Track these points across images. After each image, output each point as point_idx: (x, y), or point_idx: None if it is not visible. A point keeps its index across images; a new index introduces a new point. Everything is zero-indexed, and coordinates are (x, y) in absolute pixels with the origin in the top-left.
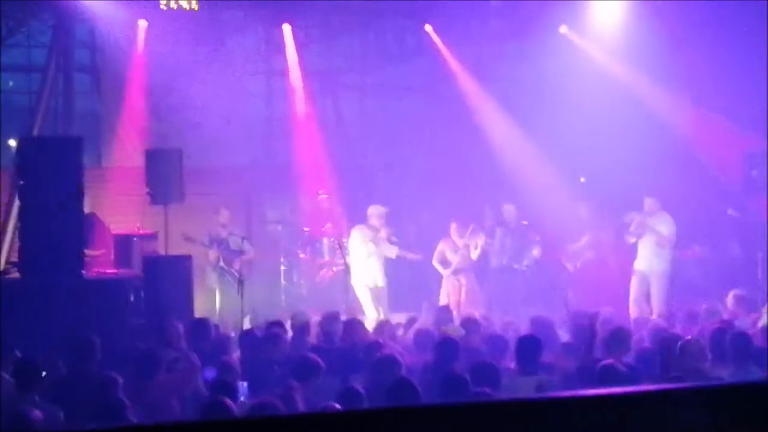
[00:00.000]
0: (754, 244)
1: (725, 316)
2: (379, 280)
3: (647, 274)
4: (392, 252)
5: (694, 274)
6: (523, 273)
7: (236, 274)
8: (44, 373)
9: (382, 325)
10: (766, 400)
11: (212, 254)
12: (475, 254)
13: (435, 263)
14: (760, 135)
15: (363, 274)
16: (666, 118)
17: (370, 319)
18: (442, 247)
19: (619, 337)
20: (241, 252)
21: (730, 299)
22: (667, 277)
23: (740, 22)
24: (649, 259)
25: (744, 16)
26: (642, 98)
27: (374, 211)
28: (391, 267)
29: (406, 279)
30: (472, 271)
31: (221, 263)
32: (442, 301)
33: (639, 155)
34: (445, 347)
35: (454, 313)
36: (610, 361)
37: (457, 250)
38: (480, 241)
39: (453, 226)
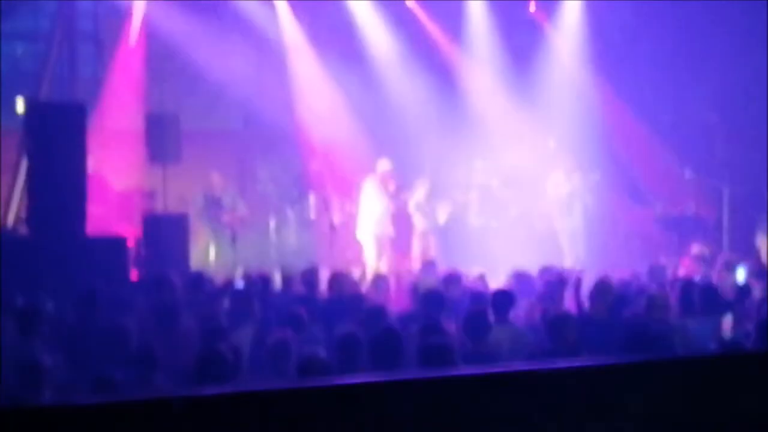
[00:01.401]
0: (709, 204)
1: (684, 271)
2: (387, 229)
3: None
4: (399, 206)
5: (654, 230)
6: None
7: (230, 230)
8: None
9: (375, 279)
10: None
11: (208, 214)
12: (442, 219)
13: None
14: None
15: (371, 224)
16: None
17: (371, 269)
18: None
19: (601, 290)
20: (233, 209)
21: (689, 254)
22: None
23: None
24: None
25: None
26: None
27: (384, 166)
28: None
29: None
30: (436, 231)
31: (216, 222)
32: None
33: (603, 122)
34: (429, 300)
35: None
36: (563, 310)
37: (426, 212)
38: (447, 207)
39: (391, 186)
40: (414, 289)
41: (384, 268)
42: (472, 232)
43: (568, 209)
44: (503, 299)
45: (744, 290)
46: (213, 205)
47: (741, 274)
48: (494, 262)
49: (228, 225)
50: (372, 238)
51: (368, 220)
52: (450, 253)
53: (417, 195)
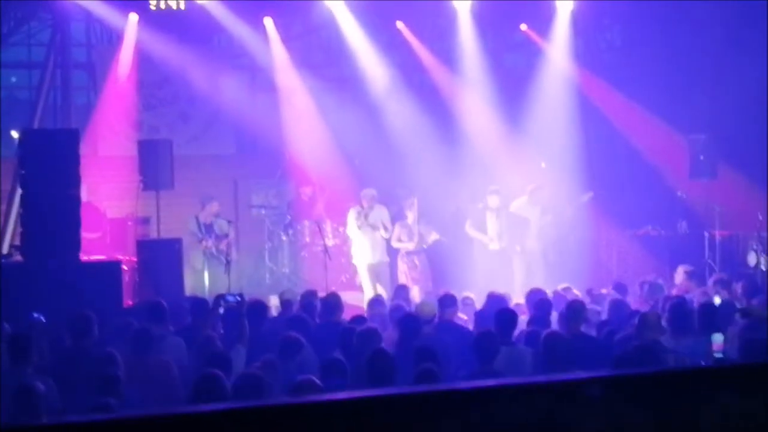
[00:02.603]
0: (701, 224)
1: (673, 291)
2: (377, 256)
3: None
4: (381, 231)
5: (646, 251)
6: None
7: (223, 255)
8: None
9: (371, 302)
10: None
11: (205, 243)
12: (428, 243)
13: (394, 244)
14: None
15: (361, 252)
16: (618, 113)
17: (367, 296)
18: (398, 230)
19: (573, 310)
20: (225, 235)
21: (680, 274)
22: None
23: (690, 24)
24: None
25: (695, 18)
26: (594, 95)
27: (366, 194)
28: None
29: None
30: (424, 253)
31: (211, 249)
32: (400, 279)
33: (594, 145)
34: (406, 323)
35: (413, 290)
36: (554, 329)
37: (412, 235)
38: (434, 235)
39: (409, 214)
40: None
41: (383, 292)
42: (460, 254)
43: (537, 233)
44: (508, 319)
45: (734, 309)
46: (206, 231)
47: (734, 293)
48: (485, 285)
49: (221, 250)
50: (361, 267)
51: (360, 249)
52: (437, 275)
53: (409, 217)
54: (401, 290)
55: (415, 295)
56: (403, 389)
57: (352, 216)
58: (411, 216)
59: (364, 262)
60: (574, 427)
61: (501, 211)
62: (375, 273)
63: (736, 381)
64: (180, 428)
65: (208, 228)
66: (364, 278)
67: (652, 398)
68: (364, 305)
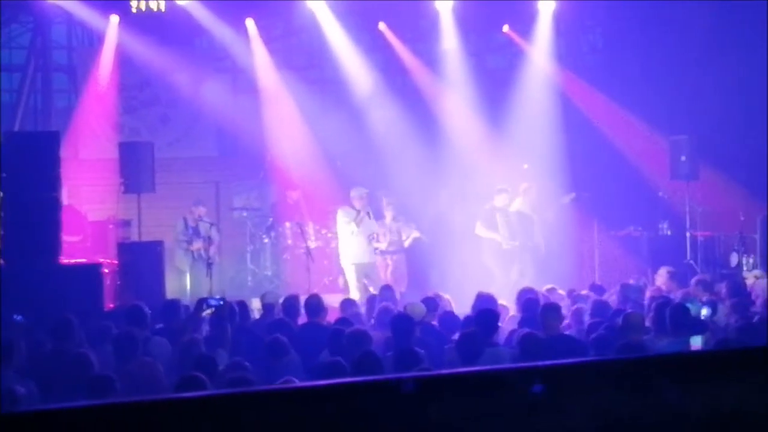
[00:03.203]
0: (682, 224)
1: (654, 291)
2: (365, 256)
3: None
4: (373, 228)
5: (628, 252)
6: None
7: (205, 257)
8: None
9: (344, 304)
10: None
11: (195, 245)
12: (407, 242)
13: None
14: (683, 132)
15: (349, 252)
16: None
17: (353, 297)
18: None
19: (549, 311)
20: (209, 238)
21: (662, 275)
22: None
23: (671, 26)
24: None
25: (677, 20)
26: (576, 97)
27: (356, 193)
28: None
29: None
30: (403, 252)
31: (201, 251)
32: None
33: (575, 146)
34: (399, 324)
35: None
36: (526, 330)
37: (386, 235)
38: (414, 233)
39: (362, 213)
40: (384, 315)
41: (368, 293)
42: (440, 256)
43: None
44: (489, 320)
45: (716, 309)
46: (192, 233)
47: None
48: (464, 285)
49: (204, 253)
50: (349, 268)
51: (344, 250)
52: (419, 276)
53: (386, 217)
54: (386, 291)
55: None
56: (385, 376)
57: (343, 216)
58: (388, 216)
59: (353, 262)
60: (559, 412)
61: (510, 210)
62: (364, 273)
63: (717, 367)
64: (161, 415)
65: (194, 229)
66: (351, 279)
67: (634, 384)
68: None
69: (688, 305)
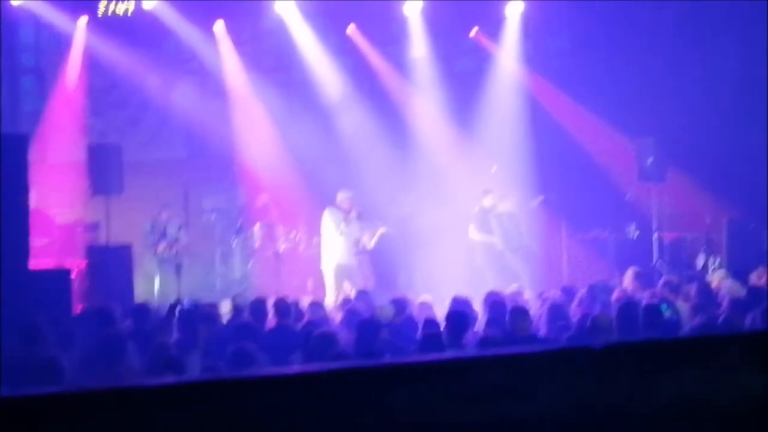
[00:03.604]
0: (650, 226)
1: (620, 293)
2: (349, 258)
3: None
4: (360, 232)
5: (595, 254)
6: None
7: (174, 260)
8: None
9: (311, 306)
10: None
11: (161, 246)
12: (371, 244)
13: None
14: (650, 135)
15: (331, 253)
16: (567, 117)
17: (330, 298)
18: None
19: (517, 313)
20: (177, 240)
21: (628, 275)
22: None
23: (638, 29)
24: None
25: (643, 23)
26: (544, 99)
27: (343, 195)
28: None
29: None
30: (367, 254)
31: (164, 252)
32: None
33: (543, 148)
34: (364, 327)
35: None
36: (484, 333)
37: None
38: (381, 229)
39: (352, 214)
40: (352, 317)
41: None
42: (411, 258)
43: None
44: (458, 322)
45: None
46: (159, 235)
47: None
48: (435, 288)
49: (173, 255)
50: (332, 268)
51: (329, 251)
52: (387, 277)
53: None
54: (363, 295)
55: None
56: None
57: (330, 217)
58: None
59: (335, 263)
60: (527, 398)
61: (500, 210)
62: (347, 274)
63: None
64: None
65: (162, 233)
66: (330, 280)
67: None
68: (327, 308)
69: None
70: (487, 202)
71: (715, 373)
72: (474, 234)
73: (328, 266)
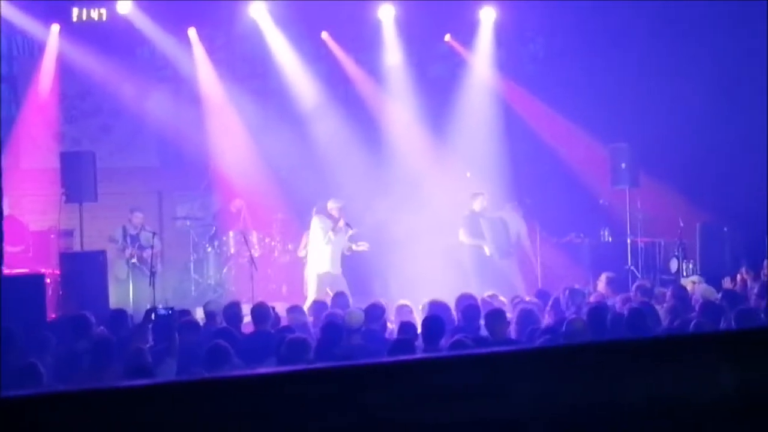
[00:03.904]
0: (623, 231)
1: (595, 297)
2: (334, 267)
3: None
4: (346, 242)
5: (570, 258)
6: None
7: (146, 266)
8: None
9: (289, 311)
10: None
11: (128, 252)
12: (302, 251)
13: (300, 253)
14: (623, 140)
15: (317, 262)
16: (541, 123)
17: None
18: (304, 240)
19: (495, 316)
20: (151, 247)
21: (602, 280)
22: None
23: (611, 36)
24: None
25: (616, 30)
26: (517, 105)
27: (334, 204)
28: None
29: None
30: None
31: (134, 259)
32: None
33: (517, 154)
34: (328, 330)
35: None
36: (459, 336)
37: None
38: (362, 245)
39: (341, 223)
40: (331, 322)
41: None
42: (386, 264)
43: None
44: (435, 327)
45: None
46: (131, 241)
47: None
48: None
49: (144, 260)
50: (316, 275)
51: (315, 257)
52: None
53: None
54: (340, 298)
55: None
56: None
57: (319, 224)
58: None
59: (319, 270)
60: (502, 397)
61: (490, 214)
62: (329, 282)
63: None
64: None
65: (134, 238)
66: (312, 287)
67: (578, 370)
68: (309, 314)
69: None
70: (477, 205)
71: (691, 372)
72: (464, 237)
73: (311, 272)
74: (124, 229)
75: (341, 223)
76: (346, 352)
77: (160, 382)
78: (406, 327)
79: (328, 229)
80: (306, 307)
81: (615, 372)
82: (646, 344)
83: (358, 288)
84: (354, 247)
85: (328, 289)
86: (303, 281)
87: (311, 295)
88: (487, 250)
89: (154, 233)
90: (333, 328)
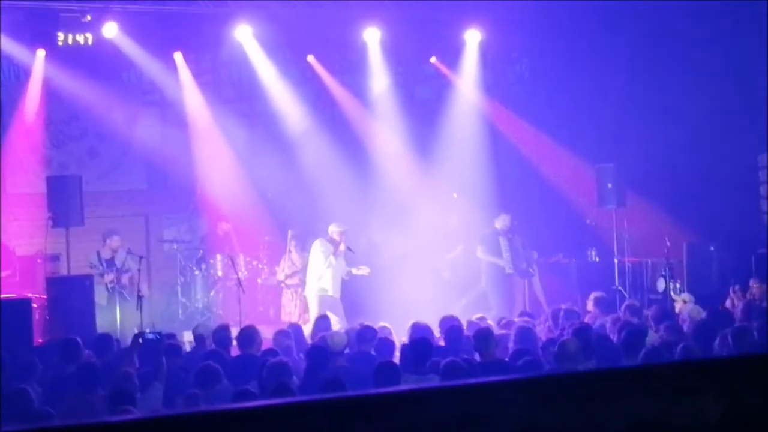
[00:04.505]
0: (610, 251)
1: (585, 317)
2: (335, 290)
3: None
4: (346, 267)
5: (557, 279)
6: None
7: (125, 290)
8: None
9: (276, 335)
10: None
11: (107, 277)
12: (280, 275)
13: (279, 277)
14: (609, 161)
15: (317, 284)
16: (527, 144)
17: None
18: (282, 264)
19: (482, 337)
20: (127, 270)
21: (590, 301)
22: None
23: (596, 57)
24: None
25: (601, 51)
26: (503, 126)
27: (336, 228)
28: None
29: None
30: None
31: (112, 284)
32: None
33: (504, 175)
34: (314, 354)
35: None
36: (450, 358)
37: (292, 268)
38: (363, 269)
39: (292, 243)
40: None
41: (342, 324)
42: (376, 286)
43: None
44: (422, 348)
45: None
46: (108, 266)
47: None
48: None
49: (123, 285)
50: (317, 299)
51: (315, 280)
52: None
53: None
54: (322, 321)
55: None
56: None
57: (320, 248)
58: (293, 249)
59: (321, 294)
60: (488, 428)
61: (511, 233)
62: (329, 306)
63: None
64: None
65: (109, 262)
66: (313, 310)
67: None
68: (309, 337)
69: None
70: (499, 223)
71: (673, 400)
72: (480, 254)
73: (312, 295)
74: (99, 255)
75: (342, 247)
76: (332, 375)
77: (144, 417)
78: (389, 350)
79: (329, 253)
80: (308, 330)
81: (596, 400)
82: (629, 372)
83: (349, 310)
84: (354, 271)
85: (329, 312)
86: (291, 303)
87: (313, 317)
88: (506, 268)
89: (141, 257)
90: (318, 351)
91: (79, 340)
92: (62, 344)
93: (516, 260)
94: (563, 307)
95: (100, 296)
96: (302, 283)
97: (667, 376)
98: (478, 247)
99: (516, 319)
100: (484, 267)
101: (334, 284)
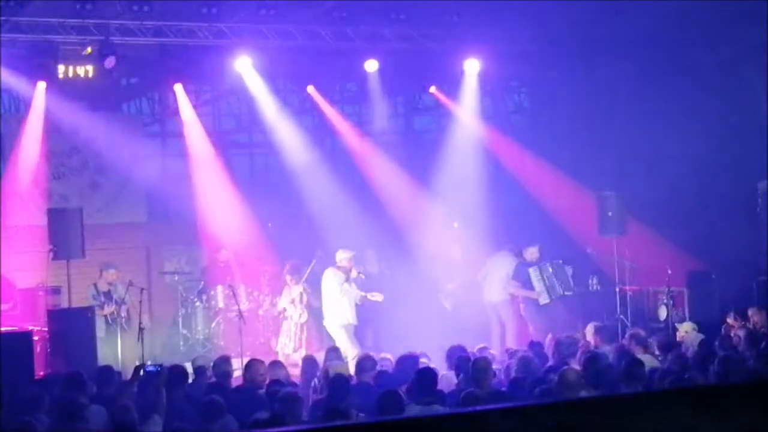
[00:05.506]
0: (612, 279)
1: (584, 346)
2: (352, 317)
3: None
4: (359, 293)
5: (559, 308)
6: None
7: (127, 322)
8: None
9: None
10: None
11: (107, 309)
12: (281, 304)
13: (280, 306)
14: (609, 189)
15: (336, 314)
16: (527, 173)
17: (350, 357)
18: (285, 293)
19: (479, 368)
20: (123, 302)
21: (589, 330)
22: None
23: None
24: None
25: (600, 80)
26: (504, 155)
27: (345, 255)
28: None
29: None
30: (309, 314)
31: (111, 316)
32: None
33: (504, 203)
34: (336, 385)
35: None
36: (471, 390)
37: (292, 298)
38: (378, 297)
39: (353, 273)
40: (324, 375)
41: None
42: (379, 316)
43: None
44: (425, 378)
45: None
46: (105, 299)
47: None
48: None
49: (121, 316)
50: (343, 328)
51: (334, 311)
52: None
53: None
54: (333, 352)
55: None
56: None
57: (333, 277)
58: (291, 280)
59: (345, 323)
60: None
61: (543, 264)
62: (351, 333)
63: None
64: None
65: (107, 295)
66: (344, 342)
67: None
68: (352, 367)
69: None
70: (529, 255)
71: (668, 427)
72: (513, 289)
73: (336, 326)
74: (96, 288)
75: (354, 273)
76: (333, 406)
77: None
78: (388, 381)
79: (342, 281)
80: (352, 362)
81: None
82: (624, 400)
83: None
84: (369, 296)
85: (349, 341)
86: (286, 334)
87: (347, 347)
88: (540, 300)
89: (142, 289)
90: (341, 382)
91: (81, 373)
92: (66, 377)
93: (551, 288)
94: (564, 337)
95: (99, 328)
96: (304, 314)
97: (661, 403)
98: (511, 282)
99: (521, 350)
100: (520, 299)
101: (353, 311)
